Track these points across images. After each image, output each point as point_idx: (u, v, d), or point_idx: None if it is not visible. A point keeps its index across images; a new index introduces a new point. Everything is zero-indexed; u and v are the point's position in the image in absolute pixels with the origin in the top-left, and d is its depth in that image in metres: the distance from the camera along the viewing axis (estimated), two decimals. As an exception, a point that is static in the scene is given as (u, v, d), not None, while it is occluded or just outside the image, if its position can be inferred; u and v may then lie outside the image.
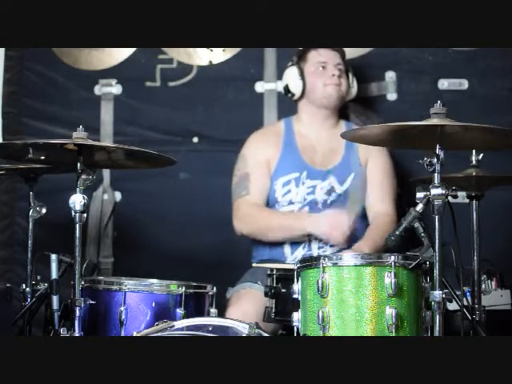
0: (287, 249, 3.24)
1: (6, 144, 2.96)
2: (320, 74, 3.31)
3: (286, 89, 3.37)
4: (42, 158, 2.63)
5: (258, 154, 3.34)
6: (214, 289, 2.71)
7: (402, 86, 3.60)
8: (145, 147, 2.54)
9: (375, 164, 3.33)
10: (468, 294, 2.74)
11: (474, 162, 2.80)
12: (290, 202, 3.28)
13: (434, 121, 2.29)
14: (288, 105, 3.46)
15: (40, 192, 2.95)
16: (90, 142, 2.45)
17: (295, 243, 3.22)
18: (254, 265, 3.33)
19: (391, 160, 3.37)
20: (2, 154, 2.73)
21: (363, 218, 3.29)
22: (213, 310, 2.67)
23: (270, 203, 3.32)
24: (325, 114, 3.35)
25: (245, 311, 2.91)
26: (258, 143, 3.38)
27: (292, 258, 3.22)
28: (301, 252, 3.22)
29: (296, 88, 3.35)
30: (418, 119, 2.32)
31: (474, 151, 2.78)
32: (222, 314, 2.90)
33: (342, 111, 3.43)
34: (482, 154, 2.78)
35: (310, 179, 3.29)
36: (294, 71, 3.35)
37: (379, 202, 3.30)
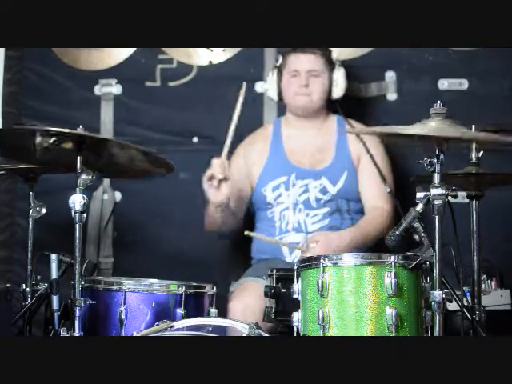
0: (285, 249, 3.25)
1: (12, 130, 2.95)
2: (291, 83, 3.31)
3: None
4: (47, 145, 2.60)
5: (239, 162, 3.38)
6: (214, 289, 2.71)
7: (402, 86, 3.60)
8: (145, 147, 2.53)
9: (368, 160, 3.31)
10: (468, 293, 2.74)
11: (473, 160, 2.80)
12: (283, 204, 3.30)
13: (433, 124, 2.29)
14: (288, 105, 3.46)
15: (40, 192, 2.95)
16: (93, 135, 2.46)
17: (292, 244, 3.24)
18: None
19: (387, 155, 3.38)
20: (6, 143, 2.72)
21: (356, 213, 3.31)
22: (213, 310, 2.67)
23: (260, 207, 3.35)
24: (308, 113, 3.36)
25: (248, 304, 2.92)
26: (245, 149, 3.42)
27: (291, 258, 3.24)
28: (299, 251, 3.22)
29: (272, 94, 3.40)
30: (418, 119, 2.32)
31: (473, 149, 2.77)
32: (223, 309, 2.90)
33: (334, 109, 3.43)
34: (481, 152, 2.78)
35: (300, 179, 3.30)
36: (273, 76, 3.38)
37: (375, 196, 3.31)
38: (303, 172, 3.31)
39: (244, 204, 3.38)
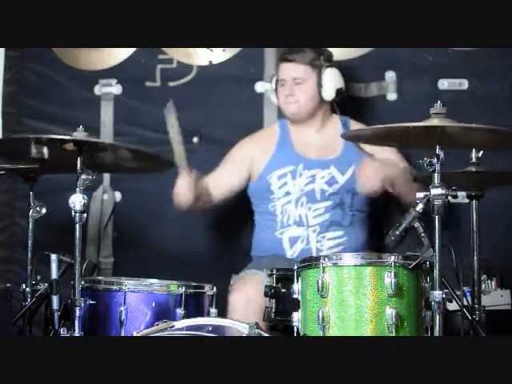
0: (286, 244, 3.26)
1: (7, 140, 2.97)
2: (280, 92, 3.34)
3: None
4: (45, 156, 2.63)
5: (237, 153, 3.41)
6: (214, 289, 2.71)
7: (402, 86, 3.60)
8: (145, 147, 2.54)
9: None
10: (468, 293, 2.74)
11: (473, 160, 2.80)
12: (287, 194, 3.31)
13: (434, 121, 2.29)
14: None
15: (40, 192, 2.95)
16: (90, 139, 2.47)
17: (293, 237, 3.24)
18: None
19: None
20: (3, 152, 2.74)
21: (358, 210, 3.31)
22: (213, 310, 2.68)
23: (262, 196, 3.35)
24: (300, 120, 3.36)
25: (250, 296, 2.92)
26: (245, 143, 3.44)
27: (291, 252, 3.24)
28: (299, 246, 3.24)
29: (274, 99, 3.42)
30: (418, 119, 2.32)
31: (473, 149, 2.78)
32: (224, 304, 2.91)
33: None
34: (481, 152, 2.78)
35: (307, 169, 3.31)
36: (272, 84, 3.39)
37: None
38: (311, 162, 3.32)
39: (227, 195, 3.40)
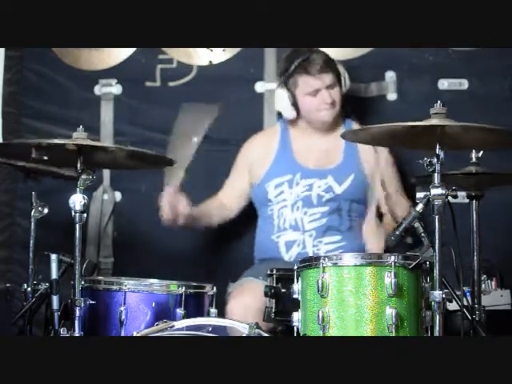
0: (282, 248, 3.26)
1: (7, 144, 2.98)
2: (311, 102, 3.29)
3: (279, 114, 3.40)
4: (45, 158, 2.63)
5: (243, 159, 3.43)
6: (214, 289, 2.71)
7: (402, 86, 3.60)
8: (145, 147, 2.54)
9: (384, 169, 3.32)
10: (468, 293, 2.74)
11: (473, 160, 2.80)
12: (284, 201, 3.31)
13: (434, 121, 2.29)
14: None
15: (40, 192, 2.95)
16: (91, 143, 2.47)
17: (289, 242, 3.24)
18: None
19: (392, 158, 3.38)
20: (3, 154, 2.75)
21: (357, 215, 3.29)
22: (213, 310, 2.68)
23: (262, 203, 3.36)
24: (331, 124, 3.36)
25: (247, 304, 2.92)
26: (250, 147, 3.45)
27: (288, 256, 3.25)
28: (296, 250, 3.24)
29: (289, 114, 3.35)
30: (418, 119, 2.32)
31: (473, 149, 2.78)
32: (222, 309, 2.91)
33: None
34: (481, 152, 2.78)
35: (305, 179, 3.30)
36: (285, 98, 3.32)
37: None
38: (309, 172, 3.31)
39: (245, 200, 3.43)
